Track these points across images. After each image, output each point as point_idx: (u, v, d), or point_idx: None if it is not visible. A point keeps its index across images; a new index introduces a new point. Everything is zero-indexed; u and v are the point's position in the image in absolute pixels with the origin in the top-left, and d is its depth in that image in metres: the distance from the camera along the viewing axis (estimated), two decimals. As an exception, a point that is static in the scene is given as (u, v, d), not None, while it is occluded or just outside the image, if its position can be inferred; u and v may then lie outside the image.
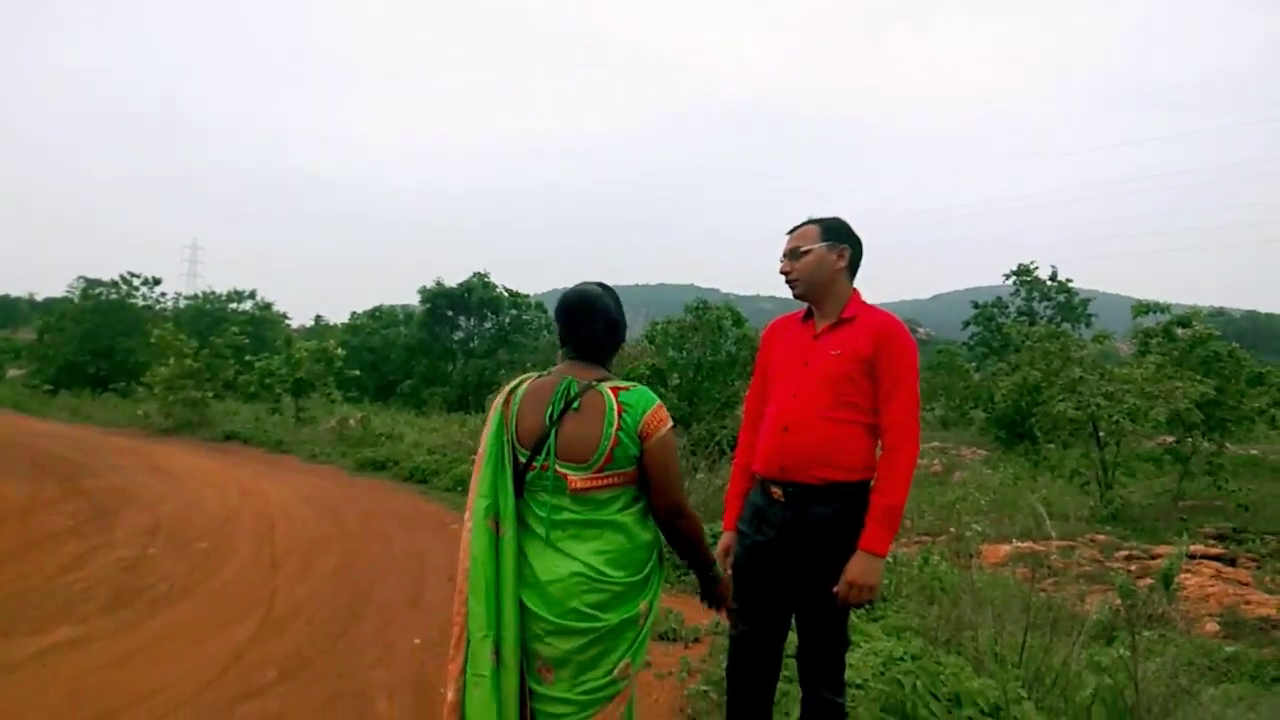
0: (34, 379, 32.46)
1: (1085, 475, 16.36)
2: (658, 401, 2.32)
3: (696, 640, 5.16)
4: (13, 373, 39.44)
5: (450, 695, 2.21)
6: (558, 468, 2.22)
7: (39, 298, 79.77)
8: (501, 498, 2.24)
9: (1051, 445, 18.50)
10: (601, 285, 2.41)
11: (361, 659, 4.73)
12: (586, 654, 2.18)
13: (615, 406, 2.23)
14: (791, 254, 2.83)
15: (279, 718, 3.87)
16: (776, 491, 2.79)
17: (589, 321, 2.34)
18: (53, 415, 22.41)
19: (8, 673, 4.31)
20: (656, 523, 2.37)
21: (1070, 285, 35.84)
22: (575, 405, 2.24)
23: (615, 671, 2.22)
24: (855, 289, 2.84)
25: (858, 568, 2.58)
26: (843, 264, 2.80)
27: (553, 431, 2.23)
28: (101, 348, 31.44)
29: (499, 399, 2.38)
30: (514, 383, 2.41)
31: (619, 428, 2.21)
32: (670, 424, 2.30)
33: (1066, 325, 31.94)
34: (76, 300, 33.99)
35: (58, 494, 9.71)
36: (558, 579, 2.17)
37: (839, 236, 2.81)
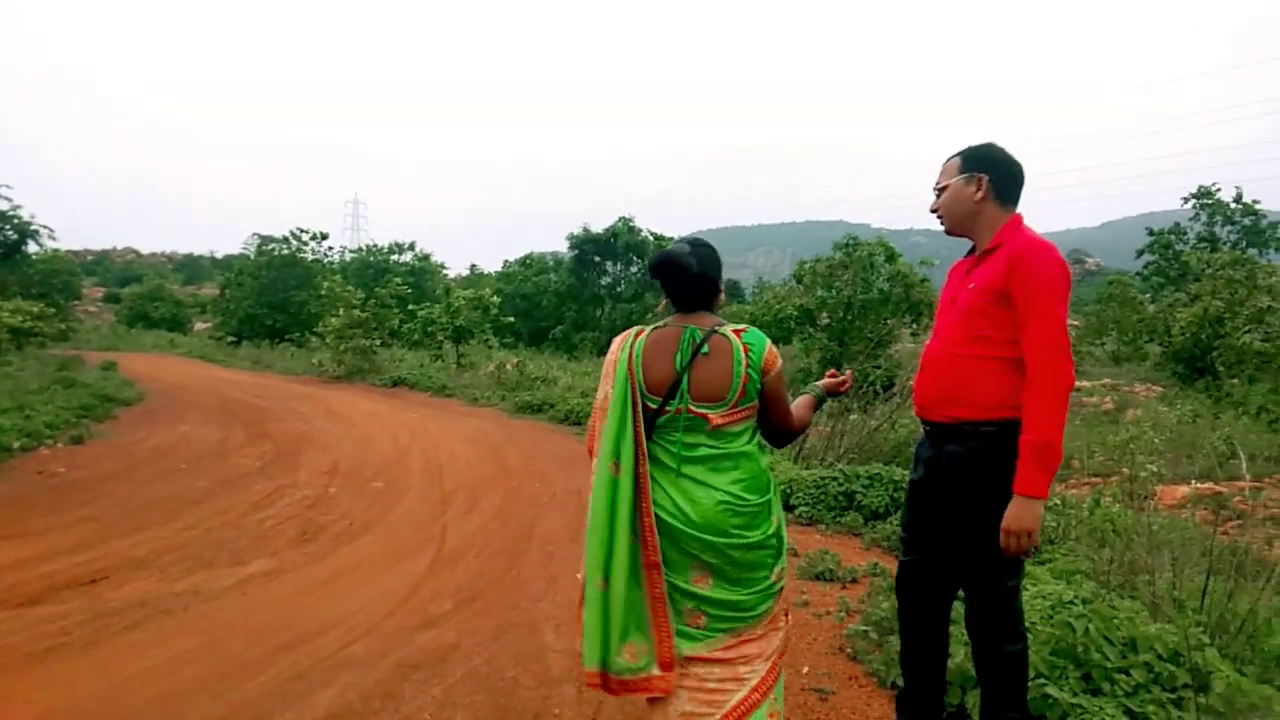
0: (218, 331, 34.95)
1: (1274, 413, 15.25)
2: (769, 340, 2.45)
3: (854, 581, 5.14)
4: (199, 326, 42.55)
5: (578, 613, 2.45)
6: (694, 408, 2.36)
7: (219, 255, 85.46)
8: (623, 445, 2.37)
9: (1235, 380, 17.31)
10: (692, 243, 2.51)
11: (528, 591, 4.94)
12: (744, 561, 2.34)
13: (741, 347, 2.37)
14: (937, 191, 2.78)
15: (455, 646, 4.09)
16: (923, 430, 2.81)
17: (676, 281, 2.46)
18: (236, 365, 24.11)
19: (213, 600, 4.72)
20: (770, 440, 2.57)
21: (1257, 207, 33.07)
22: (704, 350, 2.37)
23: (773, 575, 2.39)
24: (1015, 214, 2.69)
25: (1011, 513, 2.45)
26: (980, 193, 2.67)
27: (684, 376, 2.36)
28: (277, 301, 33.38)
29: (617, 352, 2.50)
30: (629, 336, 2.52)
31: (747, 365, 2.35)
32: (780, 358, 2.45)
33: (1253, 251, 29.58)
34: (252, 256, 36.10)
35: (245, 438, 10.48)
36: (705, 507, 2.32)
37: (976, 164, 2.68)
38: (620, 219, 37.19)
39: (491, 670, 3.80)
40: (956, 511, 2.63)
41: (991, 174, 2.67)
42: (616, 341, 2.53)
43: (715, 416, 2.35)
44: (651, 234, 38.17)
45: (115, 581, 4.96)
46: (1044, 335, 2.45)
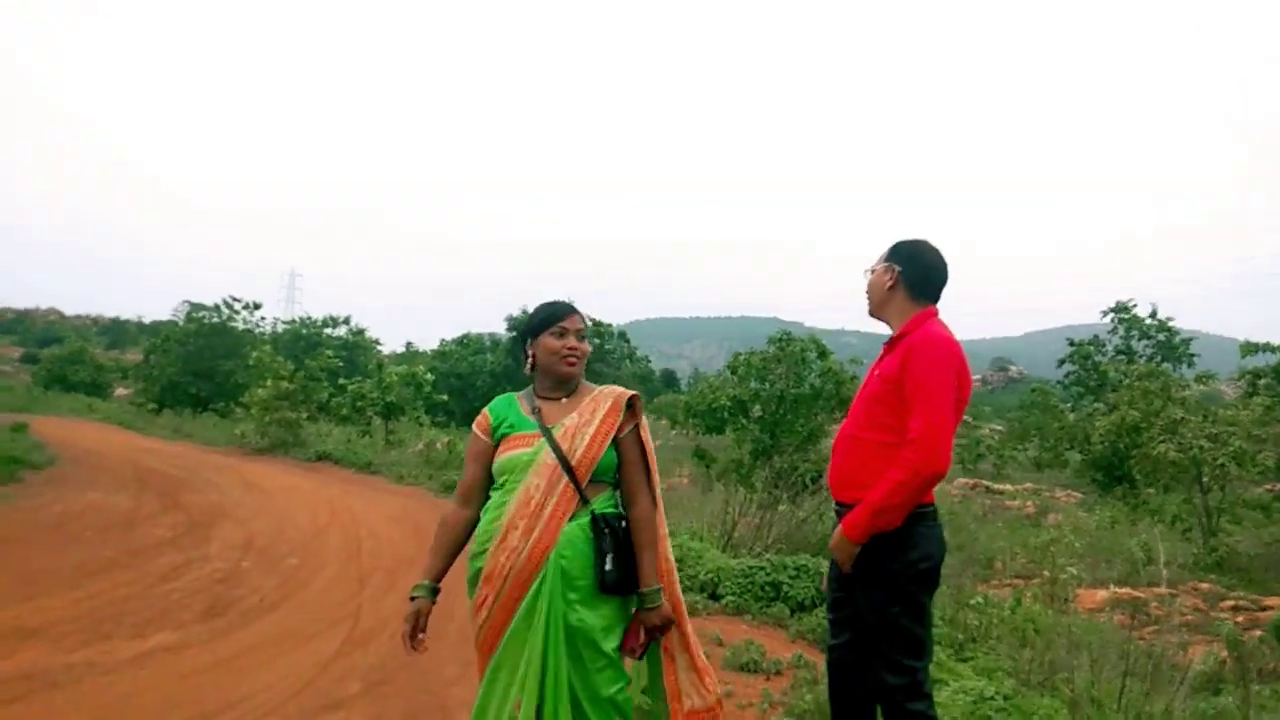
0: (139, 398, 33.85)
1: (1187, 521, 15.66)
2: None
3: (779, 672, 5.06)
4: (120, 391, 41.26)
5: None
6: None
7: (146, 320, 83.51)
8: None
9: (1151, 489, 17.79)
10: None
11: (442, 675, 4.77)
12: None
13: None
14: (867, 273, 2.93)
15: (362, 730, 3.92)
16: (835, 510, 2.89)
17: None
18: (155, 433, 23.33)
19: (109, 674, 4.48)
20: None
21: (1171, 324, 34.52)
22: None
23: None
24: (928, 308, 2.78)
25: (832, 541, 2.72)
26: (891, 283, 2.79)
27: None
28: (203, 369, 32.57)
29: None
30: None
31: None
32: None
33: (1167, 365, 30.76)
34: (181, 323, 35.30)
35: (158, 507, 10.09)
36: None
37: (895, 256, 2.82)
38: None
39: (399, 756, 3.64)
40: (859, 586, 2.68)
41: (906, 267, 2.78)
42: None
43: None
44: (591, 319, 38.41)
45: (1, 651, 4.67)
46: (925, 422, 2.52)
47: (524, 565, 2.38)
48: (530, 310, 2.67)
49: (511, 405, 2.60)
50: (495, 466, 2.51)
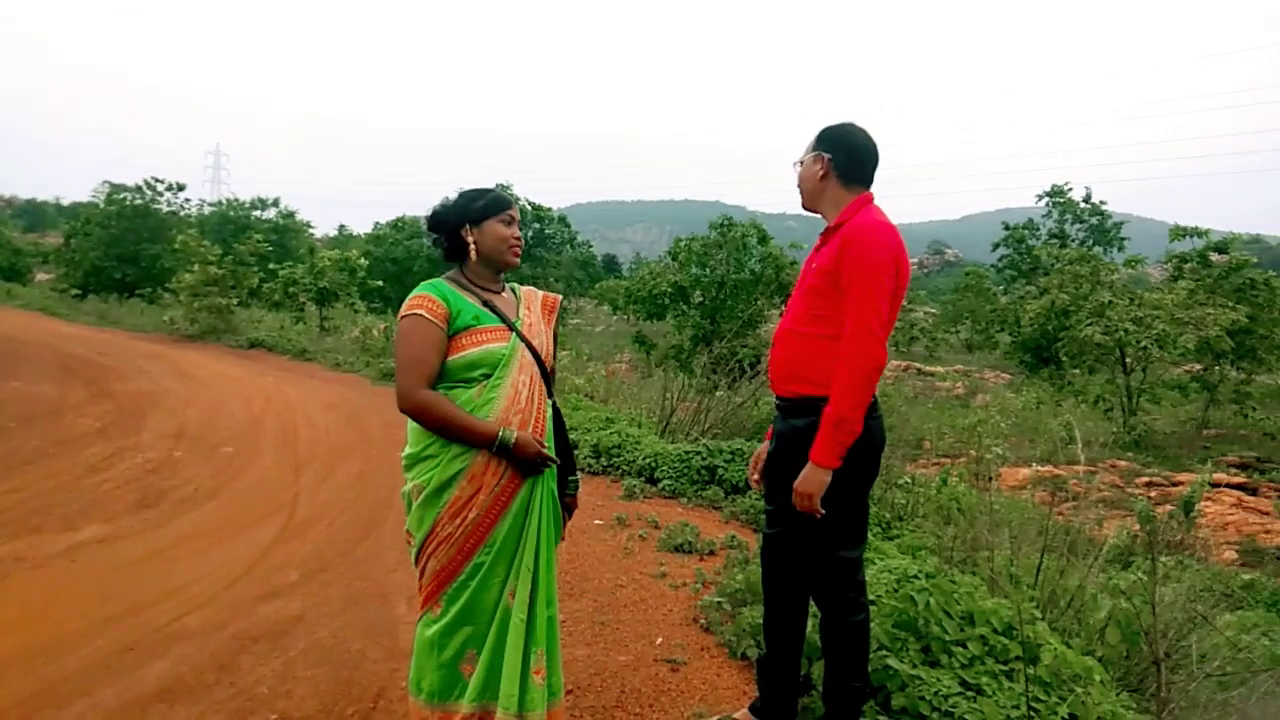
0: (61, 283, 32.65)
1: (1110, 401, 16.27)
2: (415, 292, 2.45)
3: (712, 553, 5.19)
4: (41, 277, 39.79)
5: None
6: None
7: (65, 202, 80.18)
8: None
9: (1077, 370, 18.36)
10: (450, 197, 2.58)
11: (381, 562, 4.80)
12: None
13: None
14: (797, 164, 2.84)
15: (299, 618, 3.94)
16: (776, 404, 2.87)
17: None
18: (80, 320, 22.63)
19: (38, 568, 4.41)
20: None
21: (1104, 208, 35.11)
22: None
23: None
24: (863, 194, 2.71)
25: (802, 476, 2.56)
26: (822, 171, 2.71)
27: None
28: (127, 253, 31.44)
29: None
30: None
31: None
32: (408, 309, 2.40)
33: (1099, 249, 31.39)
34: (102, 205, 33.88)
35: (85, 397, 9.83)
36: None
37: (824, 144, 2.72)
38: (498, 185, 36.66)
39: (337, 642, 3.68)
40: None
41: (835, 154, 2.69)
42: None
43: None
44: (530, 203, 37.78)
45: (-77, 547, 4.57)
46: (858, 317, 2.49)
47: None
48: (456, 196, 2.56)
49: (457, 295, 2.44)
50: (462, 358, 2.36)
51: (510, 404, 2.37)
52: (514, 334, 2.45)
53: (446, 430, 2.34)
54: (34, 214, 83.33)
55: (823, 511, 2.55)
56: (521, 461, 2.36)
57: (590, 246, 57.38)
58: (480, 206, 2.49)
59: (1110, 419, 15.70)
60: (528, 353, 2.46)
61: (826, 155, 2.69)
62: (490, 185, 2.66)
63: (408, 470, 2.43)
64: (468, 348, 2.37)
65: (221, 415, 9.18)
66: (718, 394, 8.85)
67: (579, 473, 2.75)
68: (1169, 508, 7.50)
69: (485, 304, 2.46)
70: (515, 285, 2.68)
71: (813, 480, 2.54)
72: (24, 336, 16.21)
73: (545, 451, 2.38)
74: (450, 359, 2.37)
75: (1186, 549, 6.79)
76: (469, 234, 2.49)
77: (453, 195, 2.57)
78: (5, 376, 10.81)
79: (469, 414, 2.33)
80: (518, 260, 2.55)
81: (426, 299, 2.38)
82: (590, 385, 11.73)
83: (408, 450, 2.44)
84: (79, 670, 3.28)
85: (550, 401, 2.55)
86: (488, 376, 2.38)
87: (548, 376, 2.54)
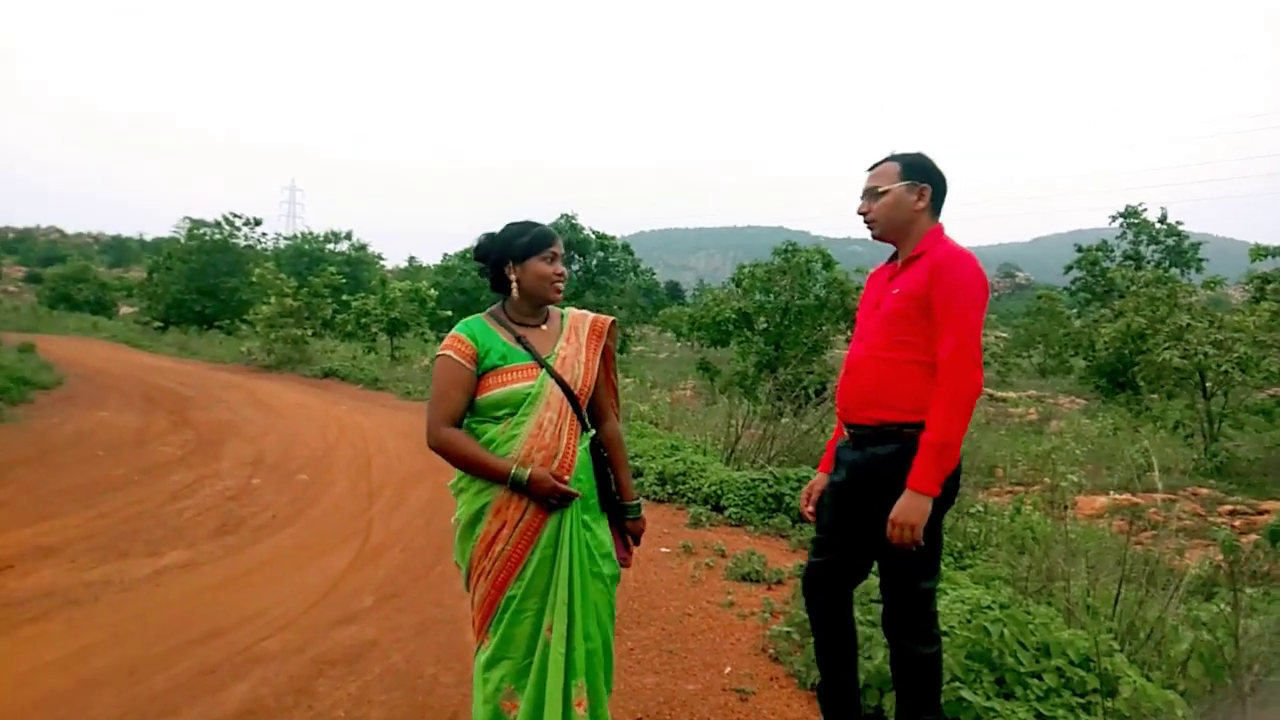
0: (144, 316, 33.92)
1: (1189, 427, 15.77)
2: (451, 332, 2.56)
3: (779, 582, 5.17)
4: (125, 310, 41.31)
5: None
6: None
7: (148, 238, 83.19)
8: None
9: (1155, 395, 17.85)
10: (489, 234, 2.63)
11: (452, 588, 4.86)
12: None
13: None
14: (870, 194, 2.75)
15: (374, 642, 4.02)
16: (847, 434, 2.83)
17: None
18: (162, 351, 23.45)
19: (126, 591, 4.58)
20: None
21: (1180, 228, 34.19)
22: None
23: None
24: (938, 224, 2.72)
25: (899, 506, 2.51)
26: (923, 204, 2.68)
27: None
28: (206, 286, 32.54)
29: None
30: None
31: None
32: (441, 349, 2.50)
33: (1175, 270, 30.57)
34: (183, 240, 35.11)
35: (167, 425, 10.19)
36: None
37: (919, 174, 2.69)
38: (562, 215, 37.08)
39: (410, 667, 3.74)
40: (880, 512, 2.61)
41: (933, 185, 2.70)
42: None
43: None
44: (594, 232, 38.11)
45: (21, 571, 4.77)
46: (957, 342, 2.49)
47: None
48: (502, 229, 2.59)
49: (490, 332, 2.50)
50: (488, 398, 2.42)
51: (534, 440, 2.39)
52: (544, 370, 2.46)
53: (467, 467, 2.42)
54: (119, 250, 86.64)
55: (923, 542, 2.51)
56: (540, 497, 2.38)
57: (654, 274, 57.60)
58: (524, 244, 2.50)
59: (1190, 445, 15.20)
60: (558, 389, 2.46)
61: (926, 186, 2.68)
62: (554, 216, 2.71)
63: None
64: (494, 388, 2.42)
65: (297, 444, 9.42)
66: (783, 421, 8.82)
67: (641, 499, 2.76)
68: (1254, 537, 7.24)
69: (519, 339, 2.49)
70: (567, 310, 2.69)
71: (914, 509, 2.50)
72: (110, 369, 16.87)
73: (563, 486, 2.38)
74: (479, 398, 2.44)
75: (1274, 580, 6.54)
76: (511, 271, 2.52)
77: (498, 228, 2.59)
78: (94, 407, 11.27)
79: (488, 451, 2.39)
80: (560, 296, 2.57)
81: (456, 339, 2.47)
82: (655, 412, 11.76)
83: (450, 482, 2.54)
84: (166, 690, 3.39)
85: (588, 434, 2.55)
86: (512, 414, 2.42)
87: (579, 410, 2.51)
